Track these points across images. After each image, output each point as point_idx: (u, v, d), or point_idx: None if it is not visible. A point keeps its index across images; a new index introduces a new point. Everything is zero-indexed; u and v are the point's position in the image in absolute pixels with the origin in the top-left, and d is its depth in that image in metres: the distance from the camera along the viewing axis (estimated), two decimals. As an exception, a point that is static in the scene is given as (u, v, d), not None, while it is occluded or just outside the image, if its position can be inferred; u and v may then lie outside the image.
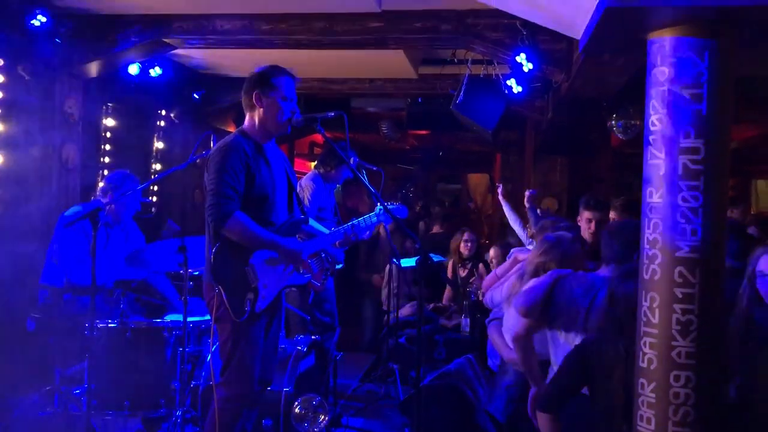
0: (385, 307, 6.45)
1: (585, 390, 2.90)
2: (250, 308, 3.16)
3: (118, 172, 4.64)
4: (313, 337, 4.53)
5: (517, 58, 5.16)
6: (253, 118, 3.34)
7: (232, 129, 7.91)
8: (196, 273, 4.18)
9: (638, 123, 6.03)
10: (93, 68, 5.71)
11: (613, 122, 6.17)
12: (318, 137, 11.30)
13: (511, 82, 5.93)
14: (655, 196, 2.38)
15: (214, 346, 3.41)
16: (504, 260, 4.82)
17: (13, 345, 4.54)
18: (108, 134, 6.68)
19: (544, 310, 3.27)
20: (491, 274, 4.53)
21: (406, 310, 6.60)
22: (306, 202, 4.98)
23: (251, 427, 3.50)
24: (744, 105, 6.86)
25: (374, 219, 4.25)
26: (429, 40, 5.52)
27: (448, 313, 6.85)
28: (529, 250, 4.29)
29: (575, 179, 7.75)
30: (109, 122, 6.67)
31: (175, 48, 5.86)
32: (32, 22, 4.90)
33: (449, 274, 6.93)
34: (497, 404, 3.86)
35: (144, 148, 7.27)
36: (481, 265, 6.73)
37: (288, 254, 3.26)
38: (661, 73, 2.37)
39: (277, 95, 3.28)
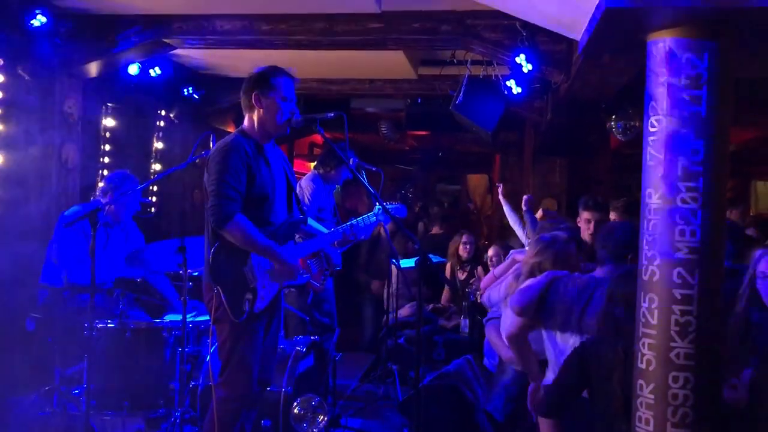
0: (386, 307, 6.44)
1: (584, 393, 2.90)
2: (249, 308, 3.16)
3: (117, 173, 4.65)
4: (312, 337, 4.53)
5: (517, 59, 5.17)
6: (252, 118, 3.33)
7: (231, 129, 7.91)
8: (196, 273, 4.19)
9: (637, 124, 6.03)
10: (93, 68, 5.71)
11: (613, 123, 6.17)
12: (317, 138, 11.32)
13: (511, 83, 5.93)
14: (655, 197, 2.39)
15: (213, 347, 3.41)
16: (503, 260, 4.83)
17: (13, 345, 4.54)
18: (108, 134, 6.68)
19: (538, 309, 3.29)
20: (489, 275, 4.54)
21: (405, 311, 6.60)
22: (306, 202, 4.98)
23: (250, 428, 3.51)
24: (743, 107, 6.86)
25: (373, 219, 4.25)
26: (428, 41, 5.52)
27: (448, 314, 6.85)
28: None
29: (574, 180, 7.75)
30: (109, 122, 6.67)
31: (175, 48, 5.87)
32: (32, 22, 4.90)
33: (447, 274, 6.94)
34: (496, 403, 3.87)
35: (143, 148, 7.28)
36: (480, 268, 6.74)
37: (283, 266, 3.25)
38: (661, 74, 2.37)
39: (276, 96, 3.28)
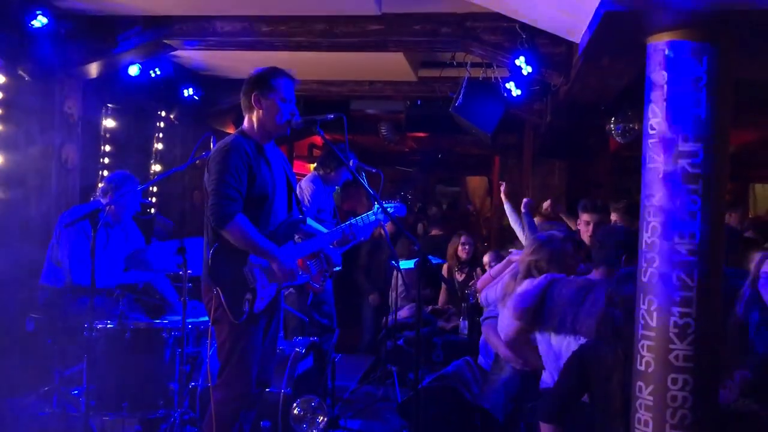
0: (390, 305, 6.44)
1: (584, 398, 2.91)
2: (249, 309, 3.16)
3: (117, 173, 4.65)
4: (311, 338, 4.53)
5: (517, 62, 5.17)
6: (252, 119, 3.33)
7: (231, 130, 7.91)
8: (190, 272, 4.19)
9: (637, 127, 6.04)
10: (93, 69, 5.71)
11: (612, 126, 6.18)
12: (317, 139, 11.32)
13: (510, 85, 5.93)
14: (654, 199, 2.39)
15: (212, 348, 3.41)
16: (499, 267, 4.84)
17: (13, 345, 4.54)
18: (108, 135, 6.68)
19: (536, 313, 3.32)
20: (485, 275, 4.58)
21: (404, 312, 6.60)
22: (305, 203, 4.98)
23: (249, 429, 3.50)
24: (743, 108, 6.86)
25: (372, 218, 4.25)
26: (428, 43, 5.53)
27: (447, 315, 6.85)
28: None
29: (574, 183, 7.75)
30: (109, 123, 6.67)
31: (175, 49, 5.87)
32: (32, 22, 4.90)
33: (444, 273, 6.94)
34: (495, 401, 3.87)
35: (144, 148, 7.28)
36: (478, 269, 6.73)
37: (282, 269, 3.23)
38: (660, 76, 2.38)
39: (276, 97, 3.27)
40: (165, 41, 5.64)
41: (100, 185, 5.33)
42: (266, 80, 3.28)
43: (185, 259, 3.84)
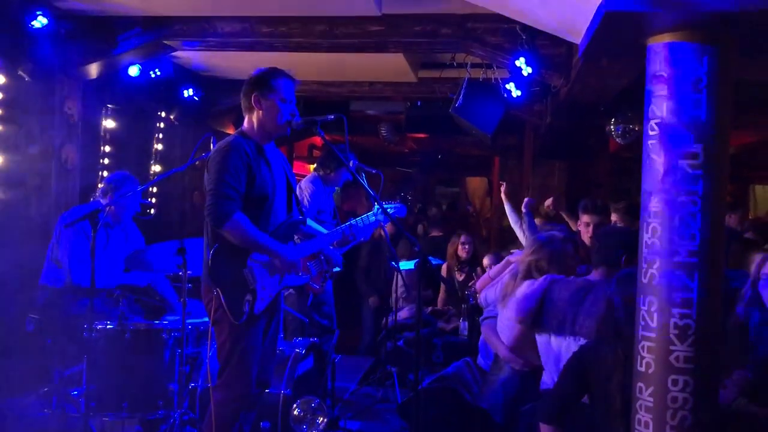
0: (391, 304, 6.44)
1: (584, 399, 2.91)
2: (249, 310, 3.16)
3: (117, 173, 4.65)
4: (311, 339, 4.53)
5: (517, 63, 5.17)
6: (252, 120, 3.33)
7: (231, 131, 7.91)
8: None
9: (637, 127, 6.04)
10: (93, 69, 5.71)
11: (612, 127, 6.18)
12: (317, 140, 11.33)
13: (510, 86, 5.93)
14: (654, 200, 2.39)
15: (212, 349, 3.41)
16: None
17: (13, 345, 4.53)
18: (108, 135, 6.68)
19: (537, 315, 3.32)
20: (484, 276, 4.58)
21: (404, 313, 6.60)
22: (305, 204, 4.98)
23: (249, 429, 3.50)
24: (743, 109, 6.87)
25: (372, 219, 4.25)
26: (428, 44, 5.53)
27: (447, 316, 6.85)
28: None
29: (574, 184, 7.75)
30: (109, 123, 6.67)
31: (175, 50, 5.87)
32: (33, 23, 4.90)
33: (443, 273, 6.94)
34: (495, 401, 3.87)
35: (144, 149, 7.28)
36: (478, 269, 6.73)
37: (284, 263, 3.25)
38: (661, 77, 2.38)
39: (276, 97, 3.27)
40: (165, 42, 5.64)
41: (100, 186, 5.33)
42: (266, 81, 3.28)
43: (185, 259, 3.84)
